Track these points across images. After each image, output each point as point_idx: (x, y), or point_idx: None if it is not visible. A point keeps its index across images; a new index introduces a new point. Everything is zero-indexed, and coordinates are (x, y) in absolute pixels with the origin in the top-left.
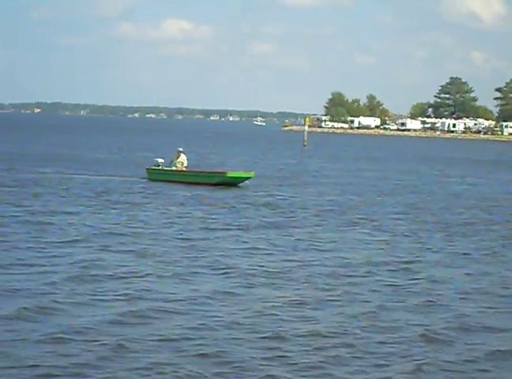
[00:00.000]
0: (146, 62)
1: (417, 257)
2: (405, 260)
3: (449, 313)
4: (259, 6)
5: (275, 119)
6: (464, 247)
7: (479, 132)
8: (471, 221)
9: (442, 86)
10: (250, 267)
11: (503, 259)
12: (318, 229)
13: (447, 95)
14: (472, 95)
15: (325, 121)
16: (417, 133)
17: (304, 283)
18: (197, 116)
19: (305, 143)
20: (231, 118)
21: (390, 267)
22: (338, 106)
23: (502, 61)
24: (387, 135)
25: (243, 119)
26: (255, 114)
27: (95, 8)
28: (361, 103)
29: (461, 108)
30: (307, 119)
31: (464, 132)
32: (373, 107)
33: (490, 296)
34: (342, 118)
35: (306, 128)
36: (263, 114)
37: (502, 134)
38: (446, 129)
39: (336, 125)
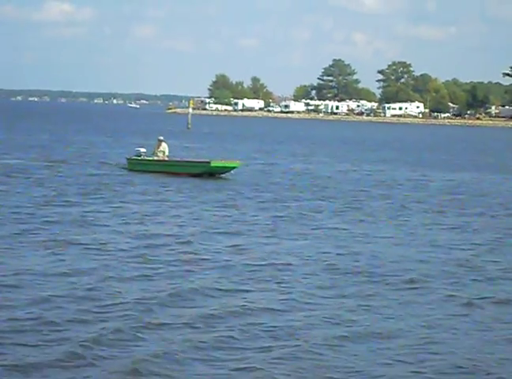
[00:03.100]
0: (29, 44)
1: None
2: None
3: None
4: None
5: (159, 102)
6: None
7: (362, 114)
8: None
9: (324, 68)
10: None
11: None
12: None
13: (330, 78)
14: (355, 77)
15: (209, 103)
16: (300, 115)
17: None
18: (81, 99)
19: (189, 126)
20: (115, 101)
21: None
22: (222, 89)
23: (383, 44)
24: (271, 117)
25: (127, 102)
26: (139, 97)
27: None
28: (245, 85)
29: (344, 90)
30: (191, 102)
31: (347, 114)
32: (257, 90)
33: None
34: (226, 101)
35: (191, 110)
36: (147, 97)
37: (384, 116)
38: (329, 111)
39: (220, 107)
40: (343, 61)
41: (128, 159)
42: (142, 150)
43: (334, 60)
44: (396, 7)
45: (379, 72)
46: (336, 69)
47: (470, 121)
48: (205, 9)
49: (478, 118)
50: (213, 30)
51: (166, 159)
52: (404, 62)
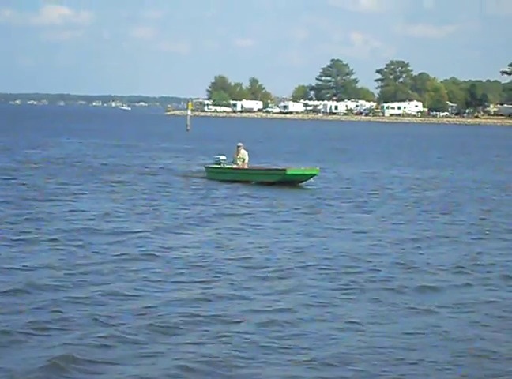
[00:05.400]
0: (27, 48)
1: None
2: None
3: None
4: None
5: (157, 104)
6: None
7: (360, 113)
8: None
9: (323, 68)
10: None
11: None
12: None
13: (328, 78)
14: (353, 77)
15: (207, 105)
16: (299, 116)
17: None
18: (80, 102)
19: (188, 127)
20: (113, 104)
21: None
22: (220, 90)
23: (381, 43)
24: (270, 118)
25: (125, 104)
26: (138, 100)
27: None
28: (243, 86)
29: (343, 90)
30: (190, 104)
31: (346, 114)
32: (255, 91)
33: None
34: (225, 102)
35: (189, 112)
36: (146, 99)
37: (383, 115)
38: (328, 111)
39: (219, 109)
40: (341, 61)
41: (207, 167)
42: (222, 157)
43: (332, 60)
44: (393, 6)
45: (377, 71)
46: (335, 69)
47: (469, 120)
48: (202, 10)
49: (477, 117)
50: (211, 31)
51: (245, 166)
52: (403, 62)
